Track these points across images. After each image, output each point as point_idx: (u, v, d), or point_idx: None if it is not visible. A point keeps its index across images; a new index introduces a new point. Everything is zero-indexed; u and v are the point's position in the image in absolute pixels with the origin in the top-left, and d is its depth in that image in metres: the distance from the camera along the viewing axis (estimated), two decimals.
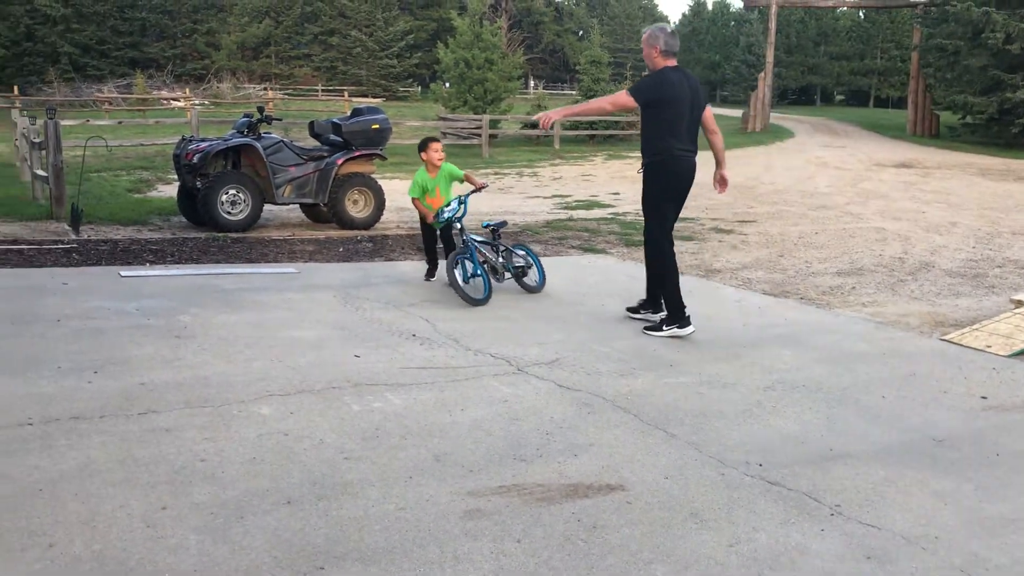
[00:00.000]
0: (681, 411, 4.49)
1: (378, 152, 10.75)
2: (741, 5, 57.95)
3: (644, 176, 6.16)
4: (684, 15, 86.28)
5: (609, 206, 13.81)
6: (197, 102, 40.35)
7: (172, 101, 42.87)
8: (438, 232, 7.44)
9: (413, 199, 7.49)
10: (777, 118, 42.67)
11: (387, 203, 10.98)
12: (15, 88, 45.14)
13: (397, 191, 13.83)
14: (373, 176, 10.79)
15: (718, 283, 8.06)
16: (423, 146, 7.48)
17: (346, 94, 48.30)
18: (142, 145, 18.89)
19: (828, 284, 8.15)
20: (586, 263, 8.95)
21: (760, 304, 7.22)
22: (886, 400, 4.80)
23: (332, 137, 10.69)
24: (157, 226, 10.30)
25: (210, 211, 9.73)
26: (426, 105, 45.57)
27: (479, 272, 6.94)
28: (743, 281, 8.17)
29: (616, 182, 17.66)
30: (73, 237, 9.07)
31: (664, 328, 6.02)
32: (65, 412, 4.10)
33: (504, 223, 7.69)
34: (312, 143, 11.16)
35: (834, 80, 74.60)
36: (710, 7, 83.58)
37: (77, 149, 12.17)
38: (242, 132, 10.20)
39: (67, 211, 9.79)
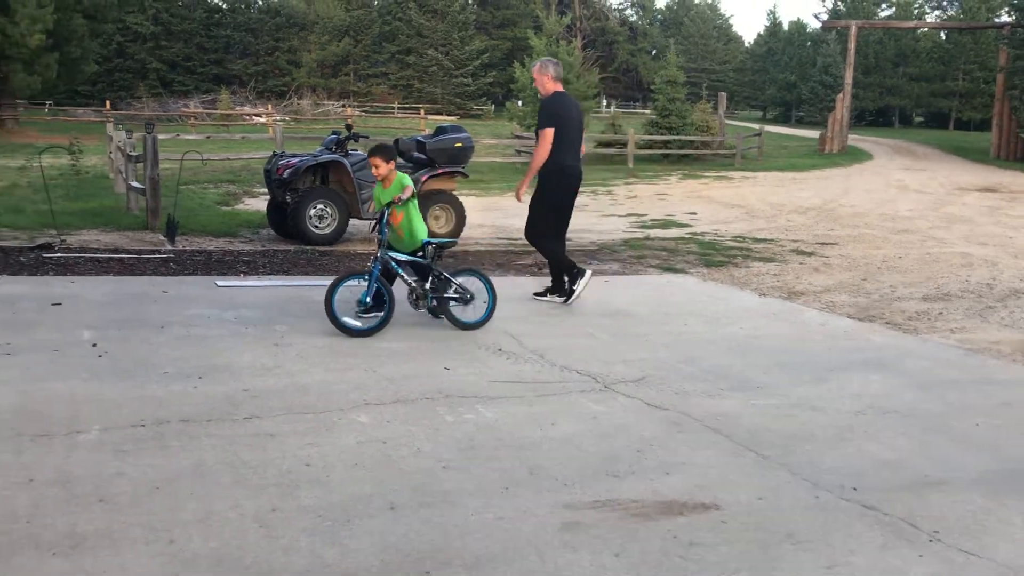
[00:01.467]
0: (771, 433, 4.49)
1: (460, 170, 10.93)
2: (818, 26, 57.25)
3: (544, 188, 7.34)
4: (759, 35, 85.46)
5: (686, 225, 13.78)
6: (278, 118, 41.38)
7: (254, 117, 44.10)
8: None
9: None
10: (855, 140, 41.94)
11: (467, 220, 11.13)
12: (107, 103, 46.88)
13: (474, 208, 14.03)
14: (454, 193, 10.97)
15: (801, 305, 7.99)
16: (367, 158, 7.12)
17: (422, 111, 49.04)
18: (228, 159, 19.48)
19: (914, 309, 8.02)
20: (665, 282, 8.96)
21: (846, 328, 7.14)
22: (980, 428, 4.73)
23: (416, 154, 10.91)
24: (247, 238, 10.63)
25: (299, 224, 10.01)
26: (499, 123, 45.99)
27: (369, 300, 6.10)
28: (827, 304, 8.09)
29: (692, 202, 17.59)
30: (169, 247, 9.43)
31: (575, 289, 7.32)
32: (175, 415, 4.30)
33: (453, 243, 7.04)
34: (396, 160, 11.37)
35: (913, 101, 73.03)
36: (786, 27, 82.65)
37: (167, 162, 12.62)
38: (330, 149, 10.48)
39: (162, 222, 10.17)
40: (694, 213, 15.57)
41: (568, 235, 11.90)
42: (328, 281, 7.34)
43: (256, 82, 60.51)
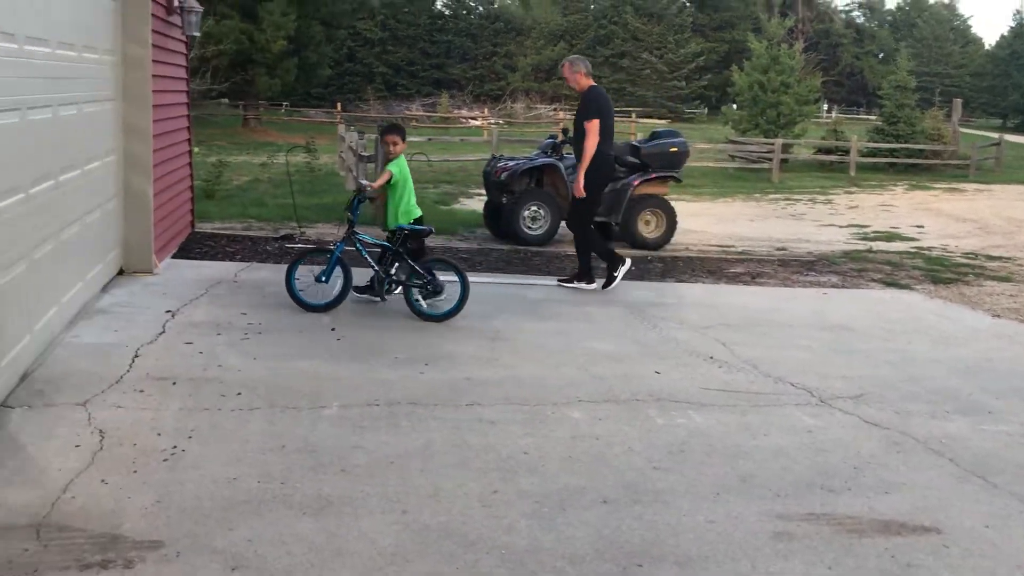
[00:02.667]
0: (1002, 460, 4.26)
1: (674, 175, 10.92)
2: None
3: (589, 177, 7.56)
4: (1003, 36, 78.99)
5: (912, 239, 13.06)
6: (493, 121, 42.66)
7: (470, 120, 45.68)
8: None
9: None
10: None
11: (678, 225, 11.10)
12: (338, 105, 50.02)
13: (685, 213, 13.93)
14: (666, 198, 10.98)
15: None
16: (381, 135, 7.07)
17: (633, 115, 49.01)
18: (446, 161, 20.35)
19: None
20: (889, 298, 8.56)
21: None
22: None
23: (629, 158, 11.00)
24: (464, 236, 11.12)
25: (513, 225, 10.37)
26: (712, 127, 45.19)
27: (324, 279, 6.27)
28: None
29: (919, 214, 16.61)
30: None
31: (616, 276, 7.79)
32: (404, 397, 4.63)
33: (428, 231, 6.65)
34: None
35: None
36: None
37: None
38: (546, 152, 10.77)
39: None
40: (921, 226, 14.71)
41: (783, 243, 11.62)
42: (541, 281, 7.54)
43: (473, 86, 62.60)
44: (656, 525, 3.37)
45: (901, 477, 3.98)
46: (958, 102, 31.01)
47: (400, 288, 6.44)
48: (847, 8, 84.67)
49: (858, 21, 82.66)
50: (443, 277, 6.37)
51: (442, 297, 6.36)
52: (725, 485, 3.80)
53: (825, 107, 61.94)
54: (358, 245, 6.44)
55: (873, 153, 27.04)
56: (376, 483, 3.59)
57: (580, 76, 7.75)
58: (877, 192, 21.11)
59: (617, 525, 3.36)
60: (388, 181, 6.48)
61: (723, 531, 3.36)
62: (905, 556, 3.23)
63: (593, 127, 7.52)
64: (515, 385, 4.96)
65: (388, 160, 6.74)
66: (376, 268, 6.43)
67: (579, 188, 7.62)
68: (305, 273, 6.32)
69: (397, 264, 6.41)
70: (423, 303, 6.36)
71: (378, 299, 6.56)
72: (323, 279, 6.27)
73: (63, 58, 5.17)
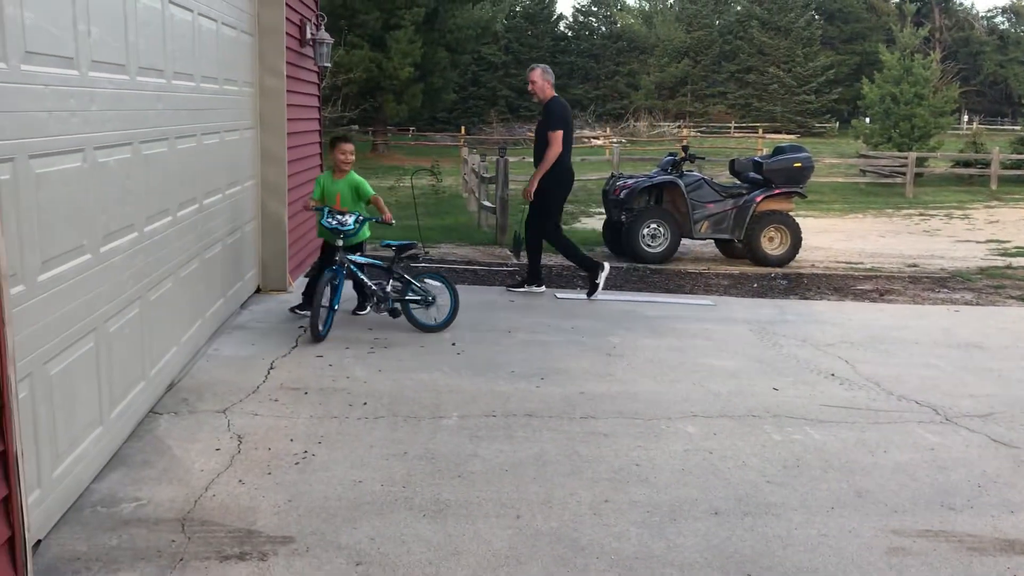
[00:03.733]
0: None
1: (798, 190, 10.75)
2: None
3: (547, 186, 7.80)
4: None
5: None
6: (615, 140, 42.66)
7: (592, 139, 45.80)
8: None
9: (309, 201, 6.57)
10: None
11: (803, 242, 10.90)
12: (463, 128, 51.09)
13: (811, 229, 13.64)
14: (790, 214, 10.81)
15: None
16: (333, 143, 6.55)
17: (760, 131, 48.11)
18: None
19: None
20: None
21: None
22: None
23: (752, 175, 10.90)
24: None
25: (632, 243, 10.42)
26: (843, 141, 43.85)
27: (335, 304, 6.19)
28: None
29: None
30: (515, 261, 10.24)
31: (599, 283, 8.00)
32: (520, 409, 4.77)
33: (413, 245, 6.53)
34: (730, 180, 11.46)
35: None
36: None
37: (515, 183, 13.64)
38: (666, 170, 10.80)
39: (510, 238, 11.06)
40: None
41: (914, 260, 11.25)
42: (660, 299, 7.59)
43: (596, 106, 62.76)
44: (767, 537, 3.39)
45: None
46: None
47: (394, 303, 6.41)
48: (989, 14, 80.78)
49: (1001, 27, 78.68)
50: (430, 286, 6.47)
51: (436, 307, 6.45)
52: (840, 500, 3.76)
53: (965, 118, 59.21)
54: (353, 267, 6.36)
55: (1017, 165, 25.68)
56: (491, 489, 3.74)
57: (548, 85, 7.91)
58: (1021, 206, 20.06)
59: (727, 536, 3.39)
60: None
61: (835, 545, 3.34)
62: None
63: (557, 137, 7.73)
64: (629, 399, 5.03)
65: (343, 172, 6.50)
66: (375, 286, 6.37)
67: (531, 191, 7.86)
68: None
69: (394, 279, 6.38)
70: (421, 316, 6.44)
71: (305, 313, 6.45)
72: (333, 306, 6.19)
73: (206, 91, 5.58)
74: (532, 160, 8.12)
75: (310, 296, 6.32)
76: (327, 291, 6.12)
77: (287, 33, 7.30)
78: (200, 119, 5.43)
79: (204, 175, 5.55)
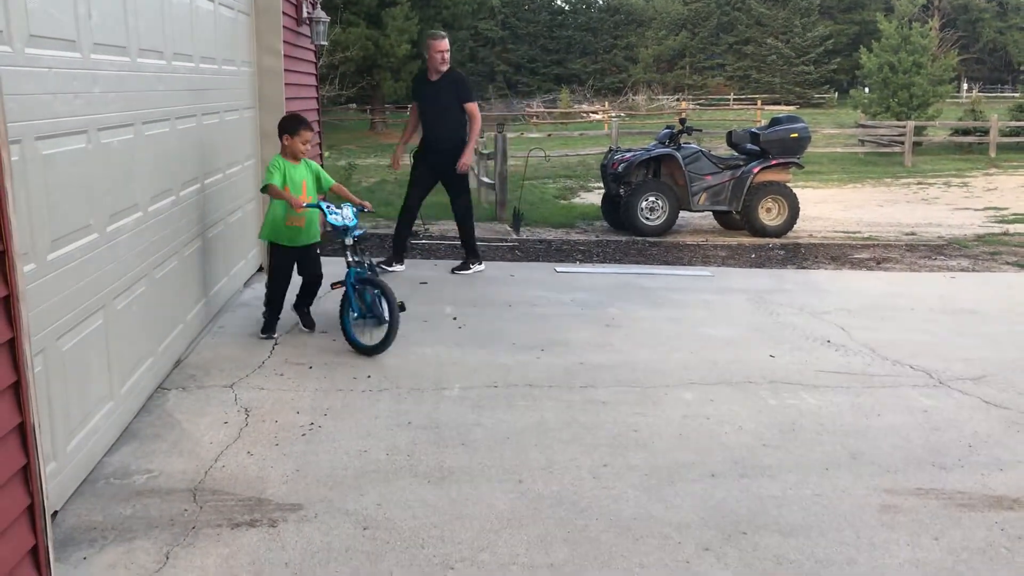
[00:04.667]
0: None
1: (795, 160, 10.79)
2: None
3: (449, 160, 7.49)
4: None
5: None
6: (614, 114, 42.57)
7: (591, 114, 45.69)
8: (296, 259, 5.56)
9: (269, 186, 5.23)
10: None
11: (800, 212, 10.96)
12: None
13: (810, 200, 13.70)
14: (788, 184, 10.86)
15: None
16: (293, 128, 5.39)
17: (759, 102, 47.95)
18: (566, 156, 20.55)
19: None
20: (1021, 281, 8.26)
21: None
22: None
23: (749, 146, 10.95)
24: (583, 229, 11.30)
25: (630, 216, 10.48)
26: (842, 112, 43.72)
27: (368, 312, 5.33)
28: None
29: None
30: (514, 236, 10.31)
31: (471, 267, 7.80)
32: (521, 380, 4.86)
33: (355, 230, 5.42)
34: (728, 152, 11.50)
35: None
36: None
37: (513, 159, 13.68)
38: (663, 143, 10.84)
39: (509, 214, 11.12)
40: None
41: (912, 228, 11.34)
42: (658, 270, 7.67)
43: (594, 80, 62.53)
44: (762, 497, 3.49)
45: (1018, 455, 3.95)
46: None
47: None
48: None
49: None
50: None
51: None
52: (834, 461, 3.86)
53: (965, 86, 58.94)
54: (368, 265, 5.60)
55: (1016, 133, 25.66)
56: (494, 456, 3.84)
57: (447, 55, 7.50)
58: (1020, 173, 20.08)
59: (723, 496, 3.49)
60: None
61: (829, 504, 3.44)
62: (1016, 530, 3.24)
63: (477, 108, 7.53)
64: (628, 369, 5.12)
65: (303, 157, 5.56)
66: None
67: (467, 163, 7.56)
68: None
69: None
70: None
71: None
72: (367, 314, 5.37)
73: (205, 71, 5.63)
74: (434, 135, 7.57)
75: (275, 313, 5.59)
76: (362, 302, 5.31)
77: (284, 12, 7.34)
78: (200, 99, 5.48)
79: (205, 155, 5.61)
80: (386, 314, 5.25)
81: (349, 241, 5.36)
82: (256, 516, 3.29)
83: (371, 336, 5.28)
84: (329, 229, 5.47)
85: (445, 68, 7.49)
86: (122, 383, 4.04)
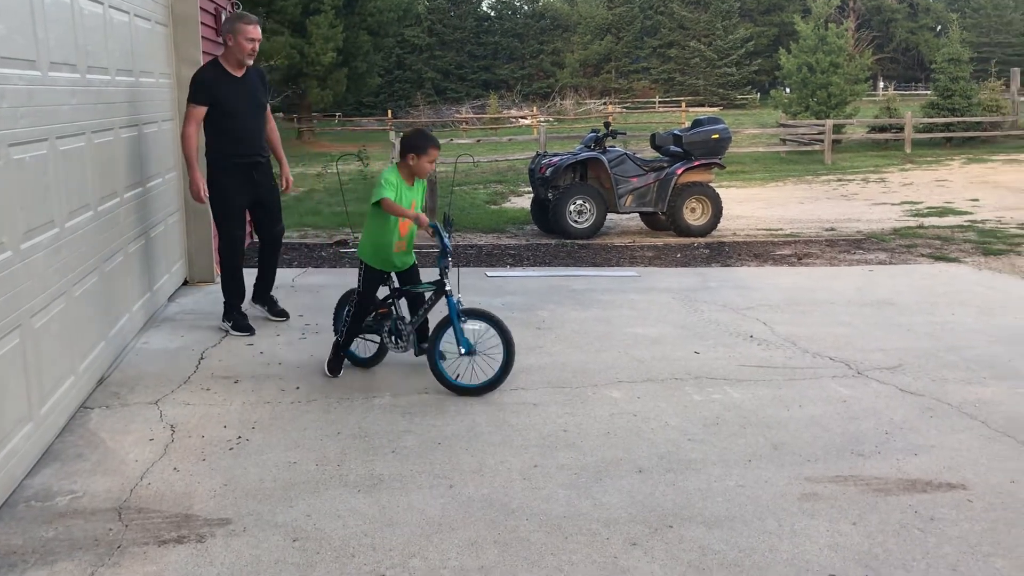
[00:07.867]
0: None
1: (717, 161, 11.02)
2: None
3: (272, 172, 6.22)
4: None
5: (966, 213, 12.93)
6: (542, 119, 42.83)
7: (520, 119, 45.92)
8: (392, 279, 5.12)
9: (383, 200, 4.73)
10: None
11: (724, 211, 11.20)
12: (389, 112, 50.73)
13: (733, 200, 14.00)
14: (711, 185, 11.08)
15: None
16: (422, 147, 4.87)
17: (683, 104, 48.78)
18: (496, 161, 20.63)
19: None
20: (936, 272, 8.57)
21: None
22: None
23: (672, 148, 11.15)
24: (513, 234, 11.37)
25: (559, 220, 10.59)
26: (765, 112, 44.74)
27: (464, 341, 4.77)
28: None
29: (975, 188, 16.37)
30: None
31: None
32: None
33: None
34: (653, 154, 11.70)
35: None
36: None
37: (442, 165, 13.69)
38: (589, 147, 10.97)
39: (440, 220, 11.13)
40: (976, 200, 14.53)
41: (832, 224, 11.65)
42: (586, 272, 7.74)
43: (522, 85, 62.89)
44: (687, 490, 3.57)
45: (931, 440, 4.11)
46: (1016, 72, 30.27)
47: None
48: None
49: None
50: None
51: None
52: (757, 453, 3.97)
53: (881, 85, 60.79)
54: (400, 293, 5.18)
55: (929, 129, 26.58)
56: (424, 462, 3.85)
57: (258, 46, 5.95)
58: (933, 168, 20.79)
59: (650, 491, 3.56)
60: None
61: (751, 494, 3.54)
62: (928, 511, 3.38)
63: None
64: (558, 370, 5.18)
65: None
66: (404, 318, 5.14)
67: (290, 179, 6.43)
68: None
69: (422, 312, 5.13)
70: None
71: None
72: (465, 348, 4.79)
73: (121, 84, 5.54)
74: (252, 143, 5.97)
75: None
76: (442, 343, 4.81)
77: (202, 23, 7.23)
78: (117, 112, 5.39)
79: (124, 168, 5.51)
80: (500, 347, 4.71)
81: (447, 266, 4.79)
82: (184, 532, 3.25)
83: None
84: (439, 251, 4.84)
85: (251, 62, 5.92)
86: (42, 404, 3.94)
